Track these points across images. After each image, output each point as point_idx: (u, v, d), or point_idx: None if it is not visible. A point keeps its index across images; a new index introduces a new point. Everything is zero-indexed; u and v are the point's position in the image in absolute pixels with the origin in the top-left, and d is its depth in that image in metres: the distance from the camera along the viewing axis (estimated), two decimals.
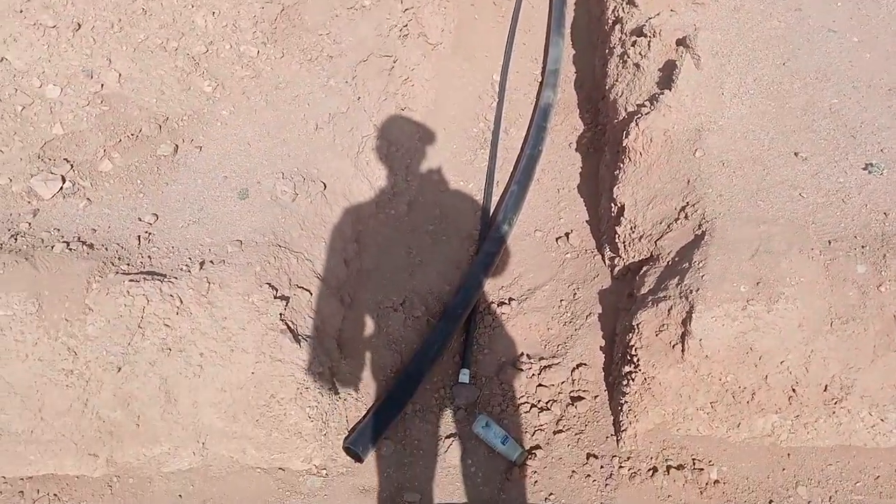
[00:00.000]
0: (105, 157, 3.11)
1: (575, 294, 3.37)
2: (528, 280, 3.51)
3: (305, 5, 3.69)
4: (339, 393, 2.81)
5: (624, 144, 3.22)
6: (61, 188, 2.95)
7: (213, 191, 3.01)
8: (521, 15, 4.71)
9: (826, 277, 2.56)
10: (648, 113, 3.14)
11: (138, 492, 2.72)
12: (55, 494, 2.71)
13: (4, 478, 2.72)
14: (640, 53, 3.50)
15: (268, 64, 3.53)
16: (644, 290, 2.90)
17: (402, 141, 3.78)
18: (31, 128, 3.16)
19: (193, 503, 2.71)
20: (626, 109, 3.47)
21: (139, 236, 2.79)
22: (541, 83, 4.34)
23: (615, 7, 3.96)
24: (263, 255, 2.77)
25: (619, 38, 3.78)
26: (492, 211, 3.79)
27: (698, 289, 2.59)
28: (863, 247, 2.62)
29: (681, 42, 3.38)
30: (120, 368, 2.51)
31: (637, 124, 3.14)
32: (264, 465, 2.76)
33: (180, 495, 2.72)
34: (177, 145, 3.19)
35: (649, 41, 3.47)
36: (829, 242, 2.65)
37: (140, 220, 2.87)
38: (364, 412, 2.89)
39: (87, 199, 2.94)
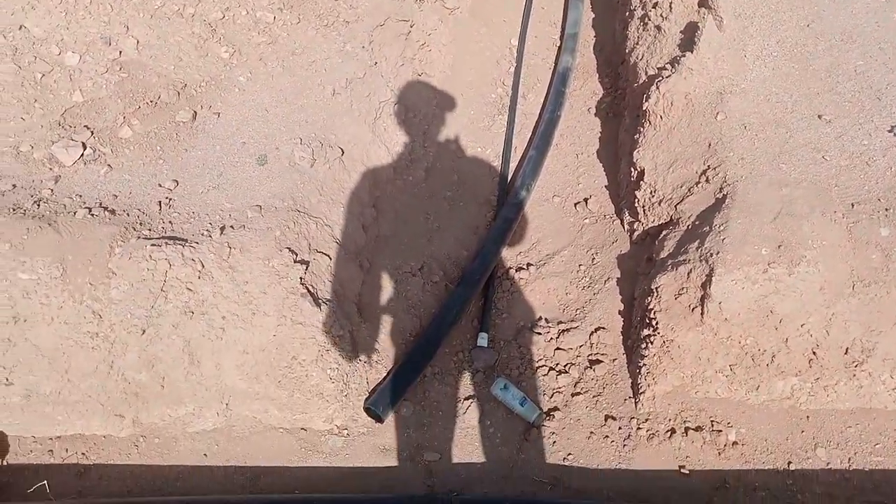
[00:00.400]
0: (125, 124, 3.12)
1: (593, 259, 3.37)
2: (547, 245, 3.51)
3: None
4: (359, 355, 2.84)
5: (644, 108, 3.19)
6: (82, 155, 2.98)
7: (232, 157, 3.03)
8: None
9: (849, 240, 2.53)
10: (669, 76, 3.10)
11: (164, 451, 2.78)
12: (83, 453, 2.78)
13: (34, 437, 2.79)
14: (661, 15, 3.44)
15: (284, 30, 3.51)
16: (664, 254, 2.88)
17: (419, 106, 3.77)
18: (51, 95, 3.17)
19: (218, 462, 2.77)
20: (646, 73, 3.42)
21: (160, 202, 2.81)
22: (559, 47, 4.27)
23: None
24: (283, 220, 2.78)
25: (640, 0, 3.72)
26: (510, 177, 3.77)
27: (719, 252, 2.57)
28: (886, 209, 2.58)
29: (703, 3, 3.31)
30: (144, 331, 2.54)
31: (658, 87, 3.10)
32: (287, 426, 2.81)
33: (205, 454, 2.78)
34: (195, 111, 3.20)
35: (671, 2, 3.40)
36: (853, 205, 2.61)
37: (160, 185, 2.89)
38: (384, 374, 2.93)
39: (108, 165, 2.96)
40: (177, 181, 2.91)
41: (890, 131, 2.83)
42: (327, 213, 2.99)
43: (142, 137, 3.10)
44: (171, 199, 2.84)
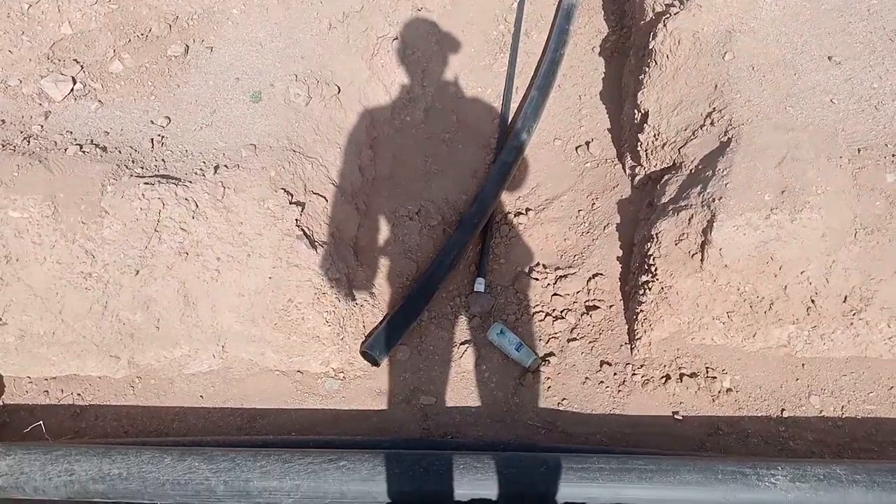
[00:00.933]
0: (115, 58, 3.05)
1: (593, 204, 3.33)
2: (546, 190, 3.46)
3: None
4: (355, 299, 2.83)
5: (650, 47, 3.10)
6: (72, 90, 2.93)
7: (226, 93, 2.96)
8: None
9: (853, 186, 2.50)
10: (677, 13, 3.01)
11: (160, 392, 2.80)
12: (79, 394, 2.80)
13: (30, 378, 2.81)
14: None
15: None
16: (665, 199, 2.85)
17: (418, 43, 3.66)
18: (39, 27, 3.09)
19: (214, 403, 2.79)
20: (653, 10, 3.31)
21: (152, 139, 2.76)
22: None
23: None
24: (278, 159, 2.74)
25: None
26: (510, 118, 3.69)
27: (721, 197, 2.54)
28: (893, 155, 2.53)
29: None
30: (138, 272, 2.52)
31: (665, 25, 3.01)
32: (283, 368, 2.82)
33: (201, 396, 2.80)
34: (187, 45, 3.11)
35: None
36: (859, 150, 2.56)
37: (152, 122, 2.84)
38: (380, 318, 2.92)
39: (99, 101, 2.90)
40: (169, 118, 2.85)
41: None
42: (323, 154, 2.94)
43: (133, 72, 3.03)
44: (163, 137, 2.78)
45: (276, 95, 2.96)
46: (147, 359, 2.71)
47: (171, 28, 3.18)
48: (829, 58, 2.84)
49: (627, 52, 3.62)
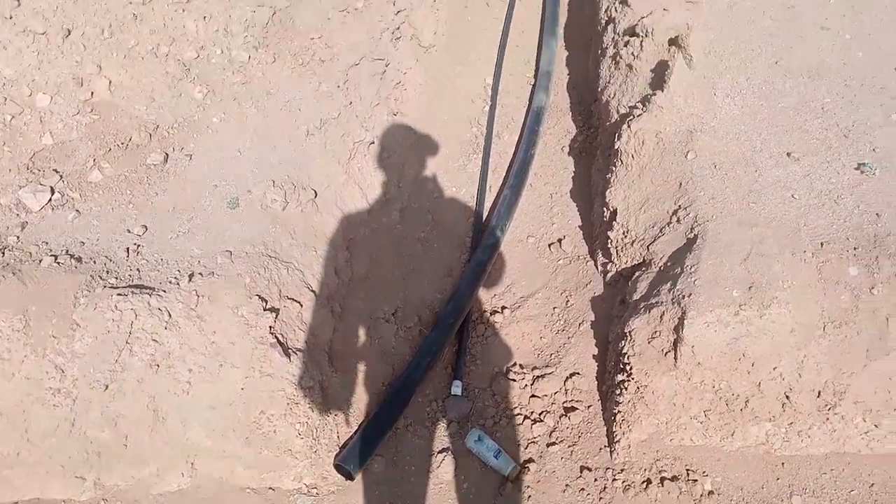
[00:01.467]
0: (95, 168, 3.09)
1: (567, 301, 3.35)
2: (521, 287, 3.49)
3: (297, 9, 3.67)
4: (329, 408, 2.78)
5: (616, 147, 3.20)
6: (50, 200, 2.94)
7: (203, 200, 2.98)
8: (514, 16, 4.67)
9: (819, 280, 2.53)
10: (640, 115, 3.11)
11: None
12: None
13: None
14: (632, 54, 3.47)
15: (259, 69, 3.50)
16: (636, 297, 2.87)
17: (394, 147, 3.75)
18: (21, 138, 3.15)
19: None
20: (618, 111, 3.44)
21: (128, 248, 2.75)
22: (534, 86, 4.29)
23: (608, 7, 3.92)
24: (253, 265, 2.74)
25: (612, 39, 3.75)
26: (484, 217, 3.76)
27: (690, 294, 2.56)
28: (855, 248, 2.58)
29: (673, 42, 3.35)
30: (107, 386, 2.47)
31: (629, 126, 3.11)
32: (254, 485, 2.71)
33: None
34: (167, 154, 3.17)
35: (641, 41, 3.43)
36: (822, 244, 2.61)
37: (129, 231, 2.84)
38: (355, 427, 2.87)
39: (76, 210, 2.91)
40: (146, 226, 2.86)
41: (857, 169, 2.85)
42: (299, 258, 2.95)
43: (111, 181, 3.06)
44: (139, 246, 2.78)
45: (254, 201, 2.99)
46: (114, 479, 2.60)
47: (151, 137, 3.24)
48: (788, 154, 2.94)
49: (595, 152, 3.73)
